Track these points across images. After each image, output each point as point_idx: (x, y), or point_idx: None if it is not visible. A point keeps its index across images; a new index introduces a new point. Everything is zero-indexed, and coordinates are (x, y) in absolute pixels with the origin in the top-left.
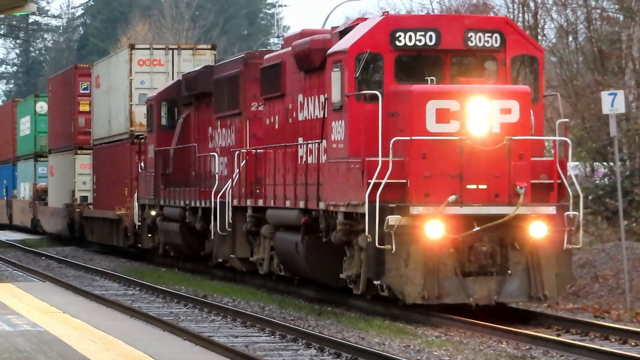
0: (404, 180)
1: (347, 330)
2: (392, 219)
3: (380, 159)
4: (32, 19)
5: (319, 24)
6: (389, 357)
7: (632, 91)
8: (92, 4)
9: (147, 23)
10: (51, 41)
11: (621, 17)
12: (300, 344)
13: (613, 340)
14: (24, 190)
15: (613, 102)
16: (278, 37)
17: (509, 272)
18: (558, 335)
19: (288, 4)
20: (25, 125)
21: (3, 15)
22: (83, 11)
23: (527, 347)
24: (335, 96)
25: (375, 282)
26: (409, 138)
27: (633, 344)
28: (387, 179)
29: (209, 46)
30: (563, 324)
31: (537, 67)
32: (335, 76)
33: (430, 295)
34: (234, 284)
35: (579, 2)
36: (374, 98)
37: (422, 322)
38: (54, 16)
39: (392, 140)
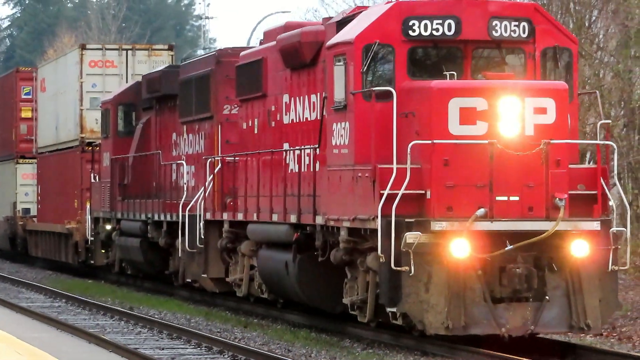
0: (423, 191)
1: (273, 342)
2: (411, 236)
3: (395, 166)
4: None
5: (246, 35)
6: None
7: None
8: (19, 15)
9: (73, 35)
10: None
11: None
12: (226, 355)
13: None
14: None
15: None
16: (204, 49)
17: (547, 297)
18: None
19: (215, 16)
20: None
21: None
22: (9, 23)
23: None
24: (338, 94)
25: (389, 309)
26: (429, 142)
27: None
28: (404, 189)
29: (166, 46)
30: (609, 358)
31: (570, 61)
32: (338, 71)
33: (455, 324)
34: (172, 298)
35: None
36: (386, 96)
37: (445, 355)
38: None
39: (410, 145)
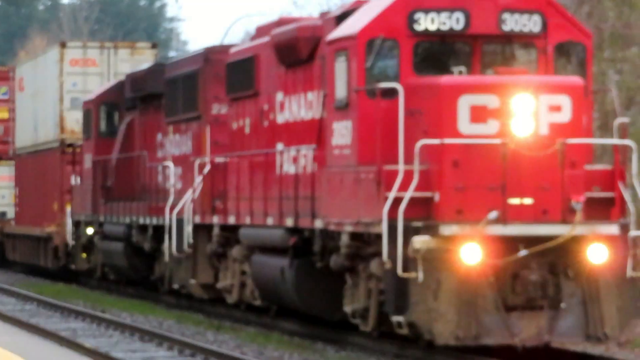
0: (431, 194)
1: (245, 345)
2: (419, 241)
3: (401, 167)
4: None
5: (218, 38)
6: None
7: None
8: None
9: (46, 37)
10: None
11: None
12: (198, 358)
13: None
14: None
15: None
16: (177, 50)
17: (562, 305)
18: None
19: (186, 18)
20: None
21: None
22: None
23: None
24: (339, 92)
25: (395, 318)
26: (439, 142)
27: None
28: (413, 191)
29: (150, 44)
30: None
31: (584, 56)
32: (339, 68)
33: (466, 334)
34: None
35: None
36: (392, 93)
37: None
38: None
39: (419, 145)
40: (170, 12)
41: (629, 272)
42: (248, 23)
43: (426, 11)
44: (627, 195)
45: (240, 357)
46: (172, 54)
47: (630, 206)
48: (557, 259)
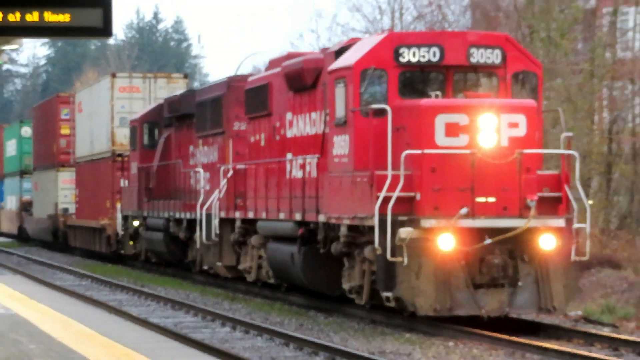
0: (413, 194)
1: (254, 313)
2: (404, 232)
3: (389, 172)
4: (4, 67)
5: (231, 70)
6: (287, 334)
7: None
8: (53, 55)
9: (96, 71)
10: (20, 85)
11: None
12: (217, 323)
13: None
14: (11, 203)
15: None
16: (199, 81)
17: (520, 284)
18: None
19: (206, 56)
20: (11, 147)
21: None
22: (45, 61)
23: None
24: (339, 111)
25: (384, 293)
26: (420, 152)
27: None
28: (399, 192)
29: (182, 75)
30: (573, 335)
31: (536, 83)
32: (339, 92)
33: (442, 307)
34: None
35: None
36: (382, 112)
37: (432, 334)
38: (22, 65)
39: (404, 154)
40: (194, 51)
41: (573, 257)
42: (255, 59)
43: (409, 46)
44: (571, 195)
45: (249, 321)
46: (195, 84)
47: (574, 204)
48: (515, 246)
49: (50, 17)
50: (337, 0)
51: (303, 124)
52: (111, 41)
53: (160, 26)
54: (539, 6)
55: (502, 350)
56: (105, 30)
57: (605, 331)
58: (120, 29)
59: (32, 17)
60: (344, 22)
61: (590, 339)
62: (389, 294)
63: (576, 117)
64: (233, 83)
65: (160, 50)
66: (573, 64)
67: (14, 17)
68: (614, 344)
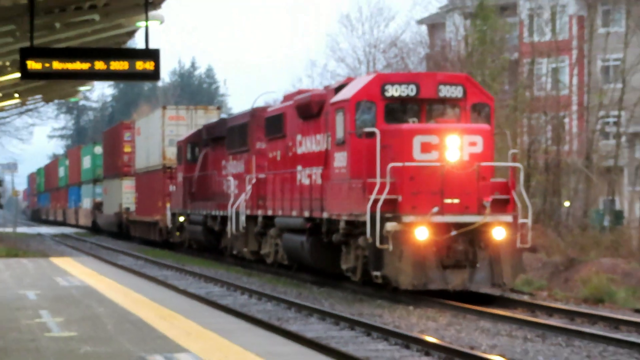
0: (396, 197)
1: (265, 285)
2: (390, 225)
3: (378, 180)
4: (80, 102)
5: (248, 105)
6: (289, 301)
7: None
8: (116, 94)
9: (148, 105)
10: (92, 116)
11: None
12: (237, 292)
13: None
14: (87, 203)
15: None
16: (225, 113)
17: (477, 265)
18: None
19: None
20: (87, 162)
21: (64, 100)
22: (111, 98)
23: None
24: (339, 133)
25: (374, 273)
26: (401, 164)
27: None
28: (385, 195)
29: (216, 107)
30: (519, 304)
31: (489, 112)
32: (339, 119)
33: (418, 283)
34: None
35: None
36: (372, 134)
37: (409, 303)
38: (94, 101)
39: (389, 166)
40: (221, 90)
41: (518, 244)
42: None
43: (392, 84)
44: (516, 197)
45: (261, 291)
46: (222, 115)
47: (518, 204)
48: (474, 236)
49: (115, 65)
50: (326, 53)
51: (310, 143)
52: (159, 83)
53: (196, 72)
54: (476, 58)
55: (449, 312)
56: (155, 75)
57: (525, 298)
58: (166, 74)
59: (101, 65)
60: (331, 69)
61: (514, 304)
62: (378, 273)
63: (504, 139)
64: (256, 112)
65: (196, 90)
66: (502, 101)
67: (85, 66)
68: (532, 308)
